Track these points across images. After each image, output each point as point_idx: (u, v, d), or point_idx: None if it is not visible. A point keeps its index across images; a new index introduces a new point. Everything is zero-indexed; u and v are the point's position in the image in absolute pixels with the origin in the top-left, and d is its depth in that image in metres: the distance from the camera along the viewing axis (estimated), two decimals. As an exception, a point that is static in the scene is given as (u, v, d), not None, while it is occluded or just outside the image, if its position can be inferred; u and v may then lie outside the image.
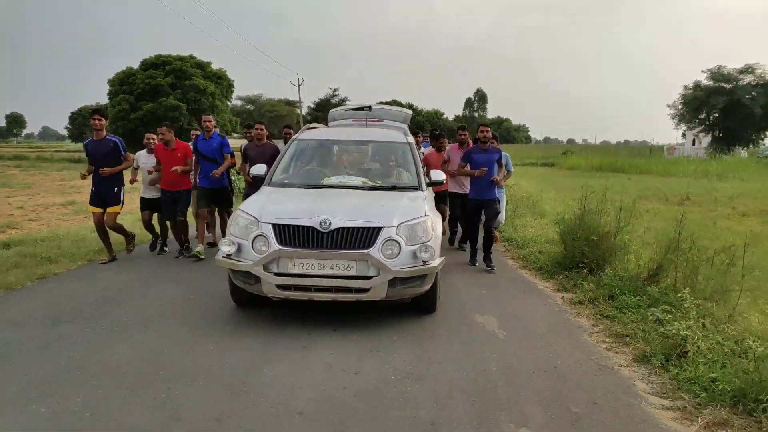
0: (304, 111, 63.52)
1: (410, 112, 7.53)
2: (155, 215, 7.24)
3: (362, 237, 4.05)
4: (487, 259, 6.32)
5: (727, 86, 42.49)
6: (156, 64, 43.70)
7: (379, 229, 4.07)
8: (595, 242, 5.27)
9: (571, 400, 3.00)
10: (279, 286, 4.05)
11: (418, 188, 5.14)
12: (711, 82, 43.45)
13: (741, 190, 17.12)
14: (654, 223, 7.60)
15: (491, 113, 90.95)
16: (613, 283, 4.83)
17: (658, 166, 29.85)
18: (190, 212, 7.21)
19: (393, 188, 5.13)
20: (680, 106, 46.27)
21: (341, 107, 7.75)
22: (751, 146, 45.60)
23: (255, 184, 5.95)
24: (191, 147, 7.02)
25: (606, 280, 4.94)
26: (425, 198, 4.88)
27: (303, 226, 4.04)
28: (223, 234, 5.99)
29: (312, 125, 6.76)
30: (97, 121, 6.41)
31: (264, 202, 4.57)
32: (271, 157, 6.54)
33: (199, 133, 7.44)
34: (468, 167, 6.35)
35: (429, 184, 5.40)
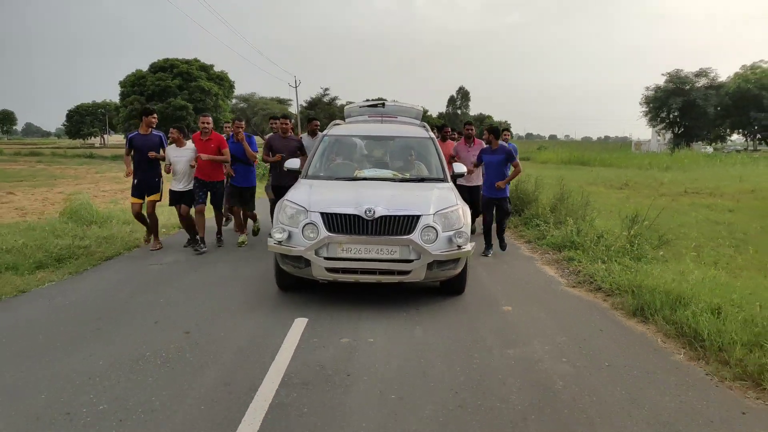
0: (296, 110, 66.96)
1: (421, 108, 7.75)
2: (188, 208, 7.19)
3: (403, 224, 4.41)
4: (501, 242, 6.86)
5: (684, 88, 47.30)
6: (164, 67, 46.93)
7: (418, 216, 4.44)
8: (523, 200, 9.36)
9: (522, 285, 5.36)
10: (328, 269, 4.41)
11: (444, 180, 5.56)
12: (670, 84, 48.22)
13: (674, 178, 21.30)
14: (593, 200, 11.57)
15: (474, 110, 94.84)
16: (530, 217, 8.61)
17: (619, 160, 33.86)
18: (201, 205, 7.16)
19: (421, 180, 5.58)
20: (643, 106, 51.10)
21: (356, 104, 7.92)
22: (713, 143, 50.53)
23: (279, 175, 6.71)
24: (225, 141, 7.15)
25: (527, 216, 8.75)
26: (452, 189, 5.30)
27: (349, 215, 4.40)
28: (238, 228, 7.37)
29: (337, 122, 6.99)
30: (153, 119, 6.94)
31: (309, 193, 4.90)
32: (296, 149, 7.04)
33: (230, 131, 7.69)
34: (482, 168, 7.03)
35: (452, 177, 5.77)
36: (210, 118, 7.07)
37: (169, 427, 2.60)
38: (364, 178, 5.39)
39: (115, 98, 60.61)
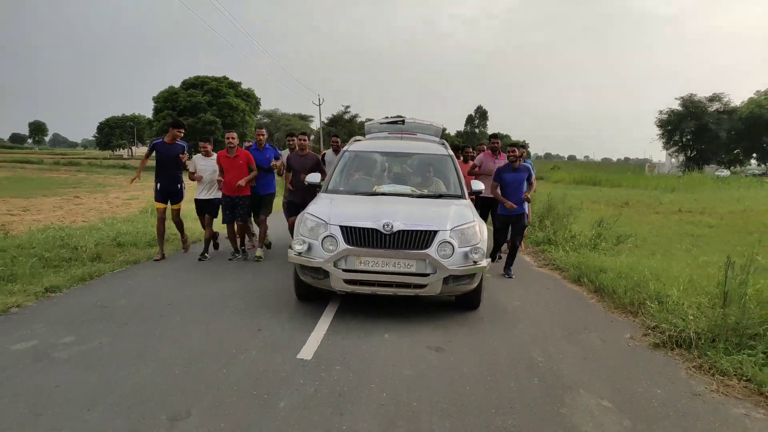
0: (318, 125, 69.37)
1: (441, 125, 7.82)
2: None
3: (420, 239, 4.54)
4: (508, 267, 6.62)
5: (697, 112, 48.41)
6: (195, 84, 49.61)
7: (435, 232, 4.57)
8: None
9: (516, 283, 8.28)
10: (346, 281, 4.54)
11: (461, 197, 5.68)
12: (683, 108, 49.35)
13: (675, 199, 22.47)
14: (586, 213, 12.98)
15: (491, 129, 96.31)
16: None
17: (629, 181, 35.11)
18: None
19: (439, 196, 5.65)
20: (658, 129, 52.22)
21: (376, 121, 8.04)
22: (731, 167, 51.24)
23: (296, 192, 6.93)
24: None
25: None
26: (469, 205, 5.40)
27: (368, 228, 4.54)
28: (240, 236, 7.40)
29: (357, 138, 7.16)
30: (179, 133, 7.08)
31: (329, 206, 5.05)
32: (313, 167, 7.00)
33: (250, 143, 7.91)
34: (499, 188, 6.64)
35: (470, 194, 5.88)
36: (235, 134, 7.19)
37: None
38: (383, 194, 5.58)
39: (144, 111, 63.64)
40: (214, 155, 7.27)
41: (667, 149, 53.70)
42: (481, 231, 4.86)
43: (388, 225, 4.51)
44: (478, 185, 5.97)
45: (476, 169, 7.62)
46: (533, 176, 6.87)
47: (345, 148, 6.53)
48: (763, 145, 46.38)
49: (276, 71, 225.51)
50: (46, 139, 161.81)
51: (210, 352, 3.81)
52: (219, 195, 7.25)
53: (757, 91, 49.47)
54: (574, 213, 9.75)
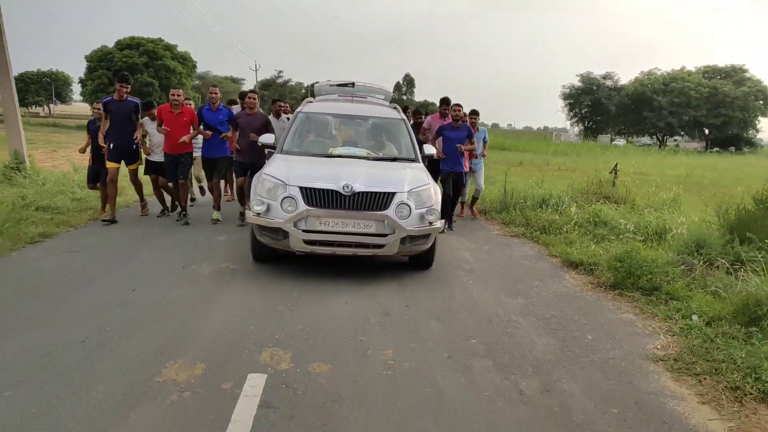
0: (257, 92, 70.57)
1: (390, 90, 7.99)
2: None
3: (379, 200, 4.69)
4: (450, 220, 7.32)
5: (593, 88, 55.46)
6: (131, 45, 49.88)
7: (393, 194, 4.74)
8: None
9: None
10: (306, 242, 4.64)
11: (415, 160, 5.82)
12: (582, 84, 56.20)
13: (561, 162, 27.92)
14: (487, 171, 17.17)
15: (418, 96, 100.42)
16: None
17: (534, 147, 40.73)
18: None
19: (394, 159, 5.80)
20: (562, 101, 59.10)
21: (326, 82, 7.91)
22: (629, 138, 58.74)
23: (243, 152, 6.86)
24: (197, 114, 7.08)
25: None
26: (423, 169, 5.60)
27: (328, 190, 4.64)
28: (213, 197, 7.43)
29: (309, 99, 7.14)
30: (124, 89, 6.77)
31: (286, 167, 5.08)
32: (261, 127, 6.85)
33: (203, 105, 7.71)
34: (440, 144, 7.09)
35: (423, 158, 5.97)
36: (181, 91, 7.16)
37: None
38: (339, 156, 5.64)
39: (62, 68, 61.34)
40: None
41: (569, 120, 60.89)
42: (436, 193, 5.13)
43: (347, 186, 4.63)
44: (430, 149, 6.32)
45: (429, 135, 7.68)
46: (483, 138, 8.45)
47: (298, 110, 6.55)
48: (644, 118, 53.96)
49: (209, 31, 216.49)
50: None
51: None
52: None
53: (642, 71, 57.24)
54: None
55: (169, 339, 3.50)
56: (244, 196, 7.02)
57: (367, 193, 4.69)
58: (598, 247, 6.15)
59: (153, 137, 7.41)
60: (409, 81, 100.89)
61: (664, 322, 4.17)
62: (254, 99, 7.15)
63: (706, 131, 53.99)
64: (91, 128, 7.39)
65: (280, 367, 3.18)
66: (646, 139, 62.11)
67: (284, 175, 4.88)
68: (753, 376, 3.13)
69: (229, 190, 9.30)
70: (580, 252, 6.01)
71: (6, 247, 5.48)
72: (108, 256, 5.52)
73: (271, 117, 7.86)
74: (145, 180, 7.75)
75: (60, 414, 2.59)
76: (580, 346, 3.74)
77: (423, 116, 8.58)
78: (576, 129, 64.44)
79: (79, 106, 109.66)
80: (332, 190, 4.66)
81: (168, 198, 7.85)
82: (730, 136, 52.93)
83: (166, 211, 7.77)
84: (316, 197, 4.67)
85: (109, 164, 6.98)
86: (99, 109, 7.18)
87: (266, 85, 73.84)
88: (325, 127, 6.71)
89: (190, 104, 7.69)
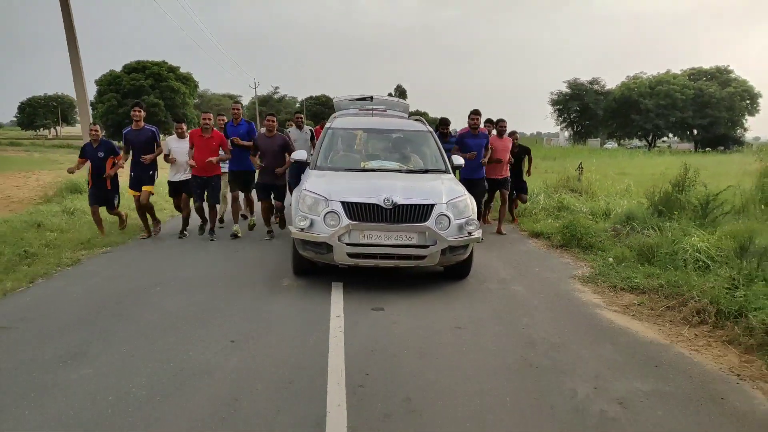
0: (256, 108, 73.17)
1: (408, 103, 8.22)
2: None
3: (419, 212, 4.81)
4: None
5: (581, 93, 57.82)
6: (137, 69, 52.23)
7: (433, 205, 4.87)
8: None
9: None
10: (350, 255, 4.79)
11: (446, 171, 5.98)
12: (569, 90, 58.57)
13: (549, 165, 30.04)
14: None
15: (410, 107, 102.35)
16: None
17: (524, 152, 43.15)
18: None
19: (425, 171, 5.99)
20: (551, 107, 61.42)
21: (344, 97, 8.05)
22: (620, 141, 60.89)
23: (264, 174, 7.14)
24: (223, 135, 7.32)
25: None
26: (455, 180, 5.81)
27: (369, 204, 4.78)
28: (234, 212, 7.59)
29: (336, 115, 7.38)
30: (137, 113, 7.06)
31: (325, 183, 5.25)
32: (280, 149, 7.15)
33: (226, 119, 7.98)
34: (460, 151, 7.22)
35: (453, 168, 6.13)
36: (211, 115, 7.20)
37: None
38: (372, 170, 5.77)
39: (67, 91, 62.95)
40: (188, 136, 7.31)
41: (558, 125, 63.24)
42: (472, 203, 5.23)
43: (388, 200, 4.75)
44: (458, 160, 6.45)
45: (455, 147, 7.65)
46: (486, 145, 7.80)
47: (327, 126, 6.74)
48: (632, 122, 56.18)
49: (206, 48, 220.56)
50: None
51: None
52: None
53: (628, 76, 59.60)
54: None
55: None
56: (268, 217, 7.49)
57: (407, 205, 4.83)
58: (555, 222, 8.19)
59: (177, 156, 7.39)
60: (401, 92, 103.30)
61: (589, 262, 6.25)
62: (273, 122, 7.23)
63: (695, 132, 56.11)
64: (87, 152, 7.19)
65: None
66: (637, 142, 64.38)
67: (325, 191, 5.04)
68: (627, 282, 5.22)
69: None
70: (542, 226, 8.08)
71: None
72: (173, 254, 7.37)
73: (293, 129, 8.67)
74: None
75: (236, 302, 4.60)
76: (529, 273, 5.89)
77: (449, 127, 8.55)
78: (566, 133, 66.76)
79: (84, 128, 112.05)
80: (373, 204, 4.80)
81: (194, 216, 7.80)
82: (718, 136, 54.81)
83: (185, 231, 7.64)
84: (357, 211, 4.82)
85: (132, 192, 7.42)
86: (96, 131, 7.18)
87: (263, 101, 76.32)
88: (353, 141, 6.94)
89: (226, 121, 8.04)
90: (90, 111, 12.60)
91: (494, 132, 8.20)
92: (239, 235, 7.44)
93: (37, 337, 3.85)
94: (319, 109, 69.58)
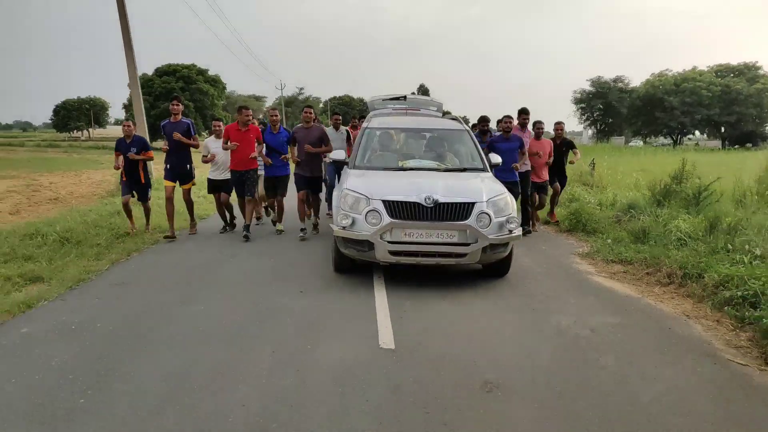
0: (283, 110, 74.98)
1: (441, 102, 8.19)
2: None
3: (460, 211, 4.85)
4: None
5: (603, 91, 57.94)
6: (168, 72, 54.37)
7: (473, 204, 4.89)
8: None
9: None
10: (391, 252, 4.87)
11: (484, 170, 6.00)
12: (593, 88, 58.73)
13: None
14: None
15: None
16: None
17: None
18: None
19: (463, 170, 6.02)
20: (573, 106, 61.63)
21: (378, 97, 8.17)
22: (646, 138, 60.82)
23: (302, 165, 7.31)
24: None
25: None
26: (494, 179, 5.79)
27: (410, 202, 4.84)
28: (275, 215, 8.03)
29: (372, 114, 7.46)
30: (176, 106, 7.34)
31: (365, 182, 5.33)
32: (318, 139, 7.36)
33: (259, 124, 7.97)
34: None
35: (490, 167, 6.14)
36: (251, 111, 7.41)
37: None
38: (411, 168, 5.83)
39: (100, 94, 65.73)
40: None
41: (581, 123, 63.38)
42: (512, 201, 5.24)
43: (429, 198, 4.81)
44: (496, 158, 6.39)
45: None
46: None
47: (365, 125, 6.82)
48: (656, 119, 56.11)
49: (237, 52, 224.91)
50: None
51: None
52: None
53: (653, 73, 59.42)
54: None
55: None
56: (303, 212, 7.59)
57: (448, 204, 4.87)
58: (564, 211, 9.16)
59: (217, 155, 7.70)
60: (423, 91, 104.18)
61: (590, 243, 7.23)
62: (310, 113, 7.43)
63: (722, 129, 55.67)
64: (121, 147, 7.48)
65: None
66: (663, 140, 64.02)
67: (366, 190, 5.12)
68: (618, 256, 6.24)
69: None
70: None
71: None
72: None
73: (330, 129, 8.68)
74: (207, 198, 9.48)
75: (302, 265, 5.76)
76: (536, 250, 6.97)
77: (488, 123, 8.58)
78: (589, 132, 66.76)
79: (114, 129, 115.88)
80: (414, 203, 4.86)
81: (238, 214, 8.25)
82: (745, 133, 54.25)
83: (227, 227, 8.06)
84: (399, 210, 4.88)
85: (166, 183, 7.53)
86: (129, 126, 7.49)
87: (289, 102, 78.12)
88: (390, 141, 7.04)
89: (254, 121, 8.02)
90: (143, 109, 13.96)
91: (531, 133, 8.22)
92: (282, 230, 7.89)
93: (152, 289, 5.13)
94: (342, 110, 71.04)
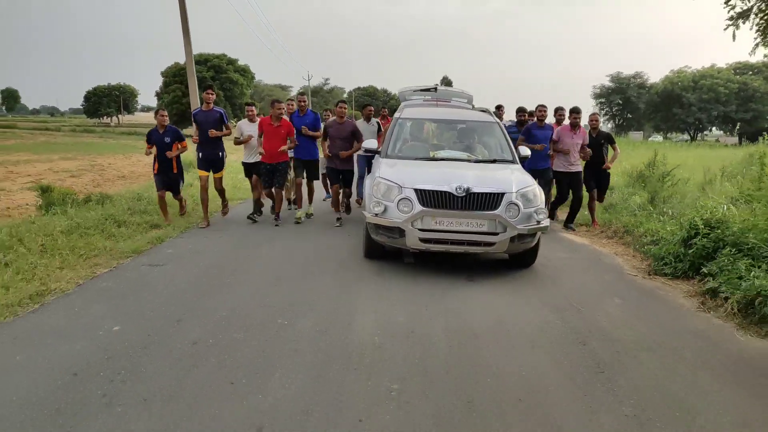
0: (309, 100, 76.98)
1: (471, 94, 8.16)
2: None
3: (490, 200, 4.99)
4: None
5: (622, 87, 58.93)
6: (199, 61, 56.59)
7: (503, 194, 5.03)
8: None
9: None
10: (422, 240, 5.03)
11: (513, 161, 6.13)
12: (612, 84, 59.70)
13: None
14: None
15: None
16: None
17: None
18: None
19: (493, 161, 6.12)
20: (593, 101, 62.65)
21: (409, 88, 8.28)
22: (666, 134, 61.60)
23: (333, 159, 7.56)
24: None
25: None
26: (523, 170, 5.87)
27: (441, 191, 4.99)
28: (296, 199, 8.36)
29: (404, 105, 7.56)
30: (209, 95, 7.40)
31: (398, 171, 5.48)
32: (350, 135, 7.58)
33: (294, 107, 8.26)
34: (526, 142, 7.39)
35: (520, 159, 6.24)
36: (284, 105, 7.54)
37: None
38: (441, 159, 6.00)
39: (130, 81, 67.85)
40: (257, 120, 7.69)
41: (601, 118, 64.28)
42: (540, 193, 5.36)
43: (460, 188, 4.96)
44: (525, 150, 6.44)
45: (559, 144, 7.66)
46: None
47: (397, 116, 6.89)
48: (674, 115, 56.85)
49: (263, 42, 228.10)
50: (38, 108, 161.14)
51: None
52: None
53: (672, 70, 60.02)
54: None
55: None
56: (338, 202, 7.98)
57: (478, 194, 5.00)
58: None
59: (253, 138, 7.86)
60: (446, 83, 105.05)
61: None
62: (344, 108, 7.63)
63: (738, 125, 56.22)
64: (154, 137, 7.35)
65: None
66: (683, 136, 64.49)
67: (398, 178, 5.27)
68: (586, 221, 8.07)
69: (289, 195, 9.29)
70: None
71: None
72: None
73: (361, 121, 8.88)
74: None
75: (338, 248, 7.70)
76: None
77: (526, 114, 8.44)
78: (609, 125, 67.54)
79: (141, 116, 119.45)
80: (445, 192, 5.00)
81: (268, 201, 8.37)
82: (760, 130, 54.52)
83: (257, 214, 8.10)
84: (430, 198, 5.03)
85: (201, 172, 7.63)
86: (164, 116, 7.42)
87: (314, 92, 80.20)
88: (421, 131, 7.25)
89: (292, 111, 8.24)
90: (197, 93, 15.76)
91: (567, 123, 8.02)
92: (302, 217, 8.11)
93: (195, 267, 6.54)
94: (367, 100, 72.70)
